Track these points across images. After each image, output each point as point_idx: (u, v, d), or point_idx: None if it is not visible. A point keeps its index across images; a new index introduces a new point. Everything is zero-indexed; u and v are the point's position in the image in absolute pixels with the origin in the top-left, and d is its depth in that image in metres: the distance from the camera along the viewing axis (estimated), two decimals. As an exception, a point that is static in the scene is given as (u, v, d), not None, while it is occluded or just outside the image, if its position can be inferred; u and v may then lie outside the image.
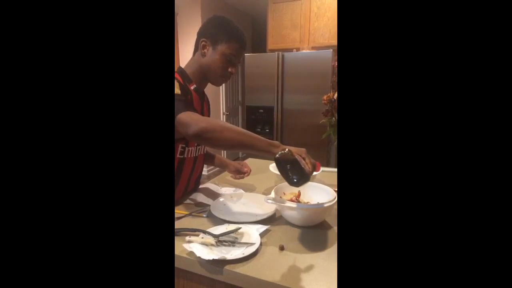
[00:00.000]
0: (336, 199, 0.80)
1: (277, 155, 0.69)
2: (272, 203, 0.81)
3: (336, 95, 1.14)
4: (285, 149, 0.70)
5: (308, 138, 2.59)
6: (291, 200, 0.84)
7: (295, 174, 0.68)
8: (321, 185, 0.92)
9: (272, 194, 0.82)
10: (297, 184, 0.69)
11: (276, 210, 0.87)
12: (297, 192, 0.91)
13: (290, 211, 0.79)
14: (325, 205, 0.77)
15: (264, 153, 0.71)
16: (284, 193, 0.91)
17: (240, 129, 0.73)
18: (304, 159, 0.70)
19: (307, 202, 0.88)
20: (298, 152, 0.71)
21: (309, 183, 0.93)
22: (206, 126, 0.69)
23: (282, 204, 0.78)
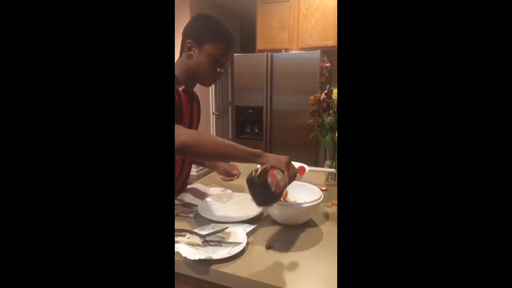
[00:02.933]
0: (321, 198, 0.81)
1: (248, 177, 0.66)
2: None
3: (323, 95, 1.15)
4: (264, 163, 0.68)
5: (297, 138, 2.61)
6: (278, 200, 0.85)
7: (262, 196, 0.66)
8: (308, 184, 0.93)
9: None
10: (260, 205, 0.74)
11: (263, 209, 0.88)
12: (284, 192, 0.92)
13: (276, 210, 0.79)
14: (309, 204, 0.78)
15: (248, 162, 0.71)
16: (272, 193, 0.92)
17: (221, 140, 0.70)
18: (282, 172, 0.68)
19: (294, 201, 0.89)
20: (279, 164, 0.69)
21: (297, 183, 0.94)
22: (185, 141, 0.67)
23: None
